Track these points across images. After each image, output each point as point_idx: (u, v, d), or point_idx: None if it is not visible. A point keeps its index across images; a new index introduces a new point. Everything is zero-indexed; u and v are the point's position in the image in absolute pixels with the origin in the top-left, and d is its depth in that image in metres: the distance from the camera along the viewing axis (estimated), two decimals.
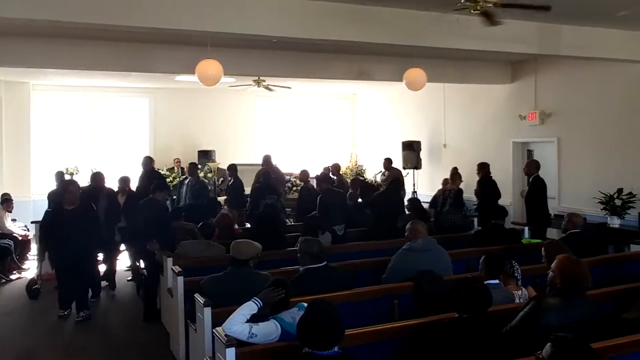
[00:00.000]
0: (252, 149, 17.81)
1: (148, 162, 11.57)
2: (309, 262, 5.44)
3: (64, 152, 16.06)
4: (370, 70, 11.74)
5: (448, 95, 14.48)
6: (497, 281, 5.05)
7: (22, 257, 11.49)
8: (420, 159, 14.73)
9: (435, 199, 10.48)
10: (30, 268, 11.04)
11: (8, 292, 9.80)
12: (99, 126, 16.91)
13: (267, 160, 12.77)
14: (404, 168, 14.61)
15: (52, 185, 11.58)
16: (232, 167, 12.65)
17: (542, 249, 5.63)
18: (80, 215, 7.77)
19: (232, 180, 12.49)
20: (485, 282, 4.77)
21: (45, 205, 10.52)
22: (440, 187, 11.04)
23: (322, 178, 10.25)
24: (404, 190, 11.58)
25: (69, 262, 7.77)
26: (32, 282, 9.30)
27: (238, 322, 4.09)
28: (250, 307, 4.19)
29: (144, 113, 17.34)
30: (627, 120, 10.08)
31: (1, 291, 9.86)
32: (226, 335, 4.04)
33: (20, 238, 11.43)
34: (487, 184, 10.55)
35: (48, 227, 8.18)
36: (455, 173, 10.92)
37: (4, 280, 10.33)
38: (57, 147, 16.22)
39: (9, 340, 7.27)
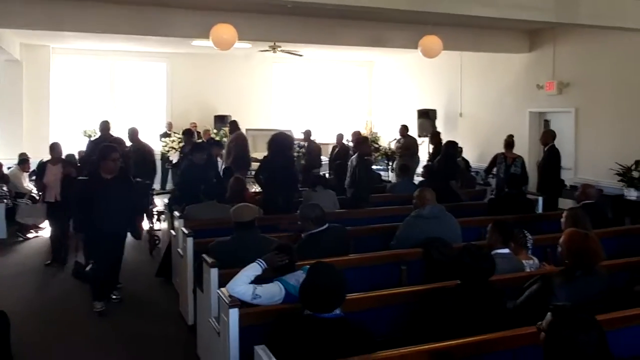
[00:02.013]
0: (268, 114, 17.83)
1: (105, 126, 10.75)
2: (312, 226, 5.45)
3: (83, 115, 16.15)
4: (386, 37, 11.59)
5: (465, 64, 14.30)
6: (507, 250, 5.01)
7: None
8: (436, 127, 14.62)
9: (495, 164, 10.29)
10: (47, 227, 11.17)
11: (25, 250, 9.96)
12: (117, 90, 16.99)
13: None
14: (419, 136, 14.54)
15: (70, 148, 11.52)
16: (233, 123, 12.77)
17: (563, 215, 5.57)
18: (121, 185, 6.90)
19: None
20: (495, 252, 4.76)
21: None
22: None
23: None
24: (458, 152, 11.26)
25: (109, 239, 6.87)
26: (78, 265, 8.26)
27: (242, 283, 4.11)
28: (254, 269, 4.21)
29: (162, 78, 17.35)
30: None
31: (19, 249, 10.02)
32: (230, 296, 4.07)
33: (37, 198, 11.55)
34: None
35: (84, 199, 6.80)
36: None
37: (21, 239, 10.50)
38: (76, 110, 16.36)
39: (27, 300, 7.34)
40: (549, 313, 2.61)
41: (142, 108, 17.16)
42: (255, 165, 11.11)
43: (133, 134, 10.75)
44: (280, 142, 8.19)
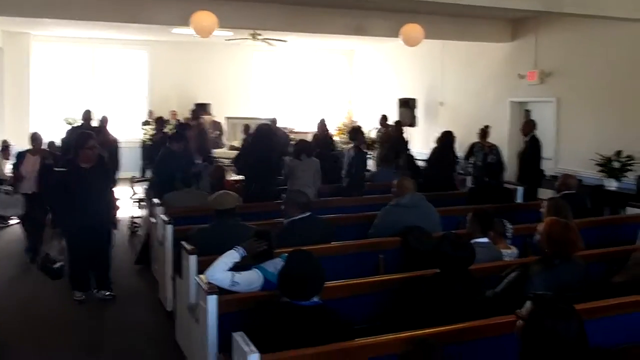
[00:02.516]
0: (248, 102, 17.77)
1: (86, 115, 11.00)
2: (296, 212, 5.43)
3: (64, 103, 16.06)
4: (368, 26, 11.52)
5: (446, 53, 14.28)
6: (486, 239, 5.03)
7: None
8: (416, 117, 14.64)
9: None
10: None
11: (7, 236, 9.98)
12: (98, 77, 16.87)
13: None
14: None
15: (51, 136, 11.51)
16: (198, 108, 13.20)
17: (544, 205, 5.60)
18: (100, 175, 6.67)
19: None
20: (475, 241, 4.78)
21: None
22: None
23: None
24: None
25: (89, 232, 6.59)
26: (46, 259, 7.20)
27: (220, 270, 4.11)
28: (232, 256, 4.20)
29: (143, 65, 17.27)
30: (628, 81, 9.93)
31: (1, 235, 10.03)
32: (208, 283, 4.06)
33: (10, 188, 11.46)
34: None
35: (61, 191, 6.51)
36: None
37: (2, 225, 10.44)
38: (58, 98, 16.25)
39: (10, 285, 7.35)
40: (529, 302, 2.60)
41: (124, 96, 17.07)
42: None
43: (102, 122, 10.85)
44: (261, 131, 8.23)
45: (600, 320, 3.76)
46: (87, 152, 6.51)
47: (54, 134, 12.22)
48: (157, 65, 17.02)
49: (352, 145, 9.40)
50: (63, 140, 10.65)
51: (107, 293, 6.88)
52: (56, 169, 7.32)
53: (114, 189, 7.20)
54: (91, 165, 6.55)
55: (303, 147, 8.52)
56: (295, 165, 8.11)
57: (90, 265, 6.88)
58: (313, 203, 6.09)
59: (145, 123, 15.62)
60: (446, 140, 10.17)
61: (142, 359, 5.47)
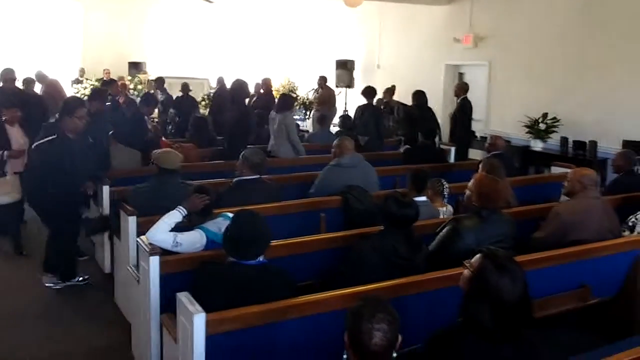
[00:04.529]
0: (184, 61, 17.34)
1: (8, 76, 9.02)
2: (246, 171, 5.38)
3: None
4: None
5: (384, 15, 14.35)
6: (424, 198, 5.17)
7: None
8: (354, 78, 14.69)
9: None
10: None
11: None
12: (26, 33, 15.87)
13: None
14: (337, 87, 14.60)
15: None
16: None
17: (479, 164, 5.77)
18: (84, 145, 6.14)
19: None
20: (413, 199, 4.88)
21: None
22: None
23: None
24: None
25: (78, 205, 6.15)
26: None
27: (162, 231, 4.07)
28: (174, 216, 4.16)
29: (77, 20, 16.51)
30: (557, 46, 10.24)
31: None
32: (150, 244, 4.02)
33: None
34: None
35: (55, 162, 5.67)
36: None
37: None
38: None
39: None
40: (478, 255, 2.65)
41: (53, 53, 16.13)
42: None
43: (27, 83, 9.81)
44: (237, 88, 8.09)
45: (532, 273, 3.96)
46: (75, 121, 5.78)
47: None
48: (90, 20, 16.35)
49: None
50: None
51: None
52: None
53: None
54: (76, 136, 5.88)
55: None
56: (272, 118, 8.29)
57: None
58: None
59: (77, 82, 15.15)
60: (421, 99, 10.16)
61: (82, 321, 5.37)
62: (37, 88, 10.67)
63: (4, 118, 6.75)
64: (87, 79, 15.01)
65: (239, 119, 7.89)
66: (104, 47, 16.20)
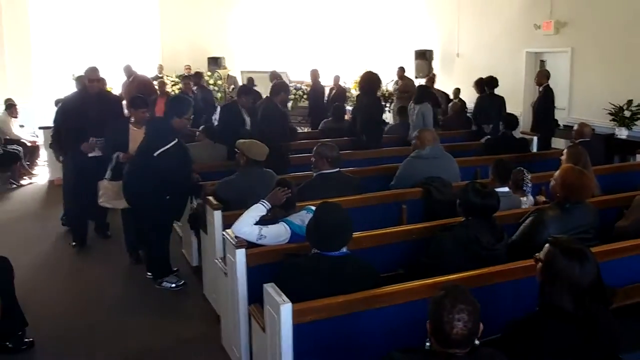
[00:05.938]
0: (264, 55, 17.42)
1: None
2: (325, 166, 5.40)
3: (68, 56, 15.35)
4: None
5: (462, 3, 14.11)
6: (506, 189, 5.12)
7: (32, 163, 11.66)
8: (433, 68, 14.55)
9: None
10: (40, 174, 11.21)
11: (19, 197, 10.00)
12: (104, 30, 16.24)
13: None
14: (416, 77, 14.44)
15: (58, 92, 11.14)
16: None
17: (563, 152, 5.66)
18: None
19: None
20: (496, 190, 4.84)
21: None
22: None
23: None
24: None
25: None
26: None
27: (247, 224, 4.18)
28: (258, 209, 4.27)
29: (154, 17, 16.79)
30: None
31: (12, 196, 10.03)
32: (236, 237, 4.13)
33: (29, 144, 11.54)
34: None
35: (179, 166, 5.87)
36: None
37: (15, 186, 10.49)
38: (61, 52, 15.56)
39: (21, 247, 7.23)
40: (547, 244, 2.71)
41: (133, 49, 16.32)
42: None
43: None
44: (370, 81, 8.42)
45: (613, 262, 3.96)
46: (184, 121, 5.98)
47: (62, 91, 11.00)
48: (168, 17, 16.60)
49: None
50: (55, 121, 7.79)
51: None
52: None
53: None
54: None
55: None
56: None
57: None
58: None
59: (155, 78, 15.16)
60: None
61: (173, 314, 5.53)
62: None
63: (132, 119, 6.69)
64: (167, 76, 15.17)
65: (374, 109, 8.26)
66: (182, 43, 16.43)
